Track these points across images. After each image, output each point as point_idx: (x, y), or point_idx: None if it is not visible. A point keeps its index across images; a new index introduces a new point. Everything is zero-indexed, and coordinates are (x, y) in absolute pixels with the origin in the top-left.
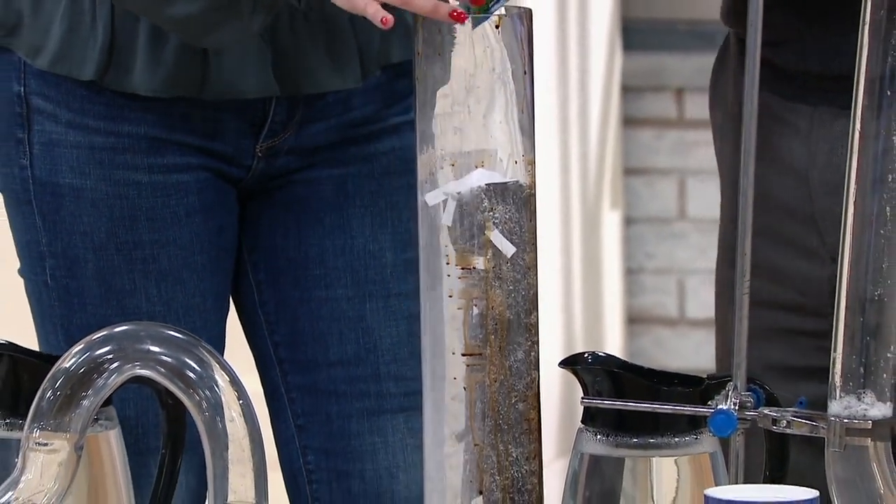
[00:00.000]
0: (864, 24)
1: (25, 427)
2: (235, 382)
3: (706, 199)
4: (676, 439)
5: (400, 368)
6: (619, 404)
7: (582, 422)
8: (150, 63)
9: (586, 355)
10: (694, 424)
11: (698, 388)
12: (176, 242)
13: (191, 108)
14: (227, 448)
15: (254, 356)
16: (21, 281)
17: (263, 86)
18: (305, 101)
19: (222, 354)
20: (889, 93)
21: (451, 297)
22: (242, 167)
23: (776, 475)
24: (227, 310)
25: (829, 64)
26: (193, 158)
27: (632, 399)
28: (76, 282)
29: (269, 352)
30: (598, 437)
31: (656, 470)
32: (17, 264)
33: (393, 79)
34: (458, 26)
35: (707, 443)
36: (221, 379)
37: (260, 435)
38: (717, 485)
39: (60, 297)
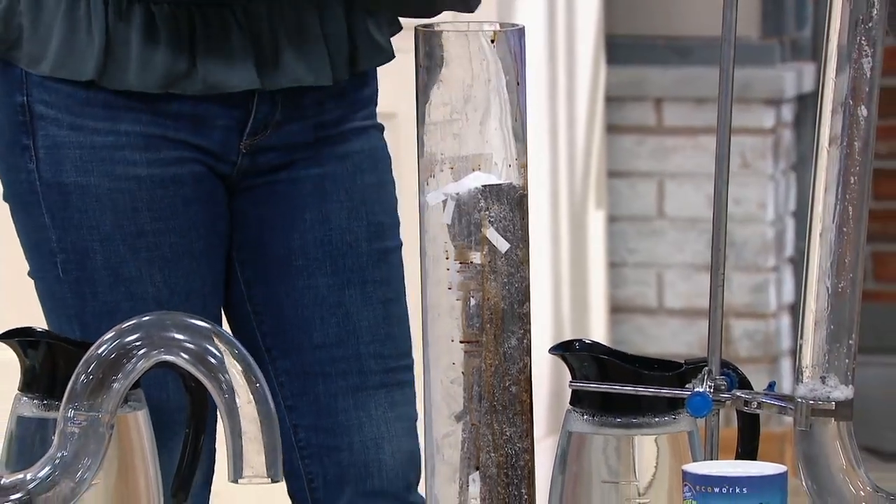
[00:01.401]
0: (828, 42)
1: (61, 408)
2: (251, 367)
3: (682, 199)
4: (657, 419)
5: (378, 348)
6: (604, 387)
7: (570, 403)
8: (143, 62)
9: (574, 342)
10: (672, 406)
11: (676, 372)
12: (176, 230)
13: (182, 105)
14: (244, 427)
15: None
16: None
17: (246, 80)
18: (283, 101)
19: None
20: (851, 102)
21: (450, 289)
22: (228, 163)
23: (748, 452)
24: (223, 294)
25: None
26: (186, 153)
27: (616, 382)
28: (86, 273)
29: (257, 342)
30: (585, 417)
31: (638, 447)
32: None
33: (359, 86)
34: (455, 41)
35: (685, 422)
36: (240, 364)
37: (274, 415)
38: (693, 461)
39: (73, 289)
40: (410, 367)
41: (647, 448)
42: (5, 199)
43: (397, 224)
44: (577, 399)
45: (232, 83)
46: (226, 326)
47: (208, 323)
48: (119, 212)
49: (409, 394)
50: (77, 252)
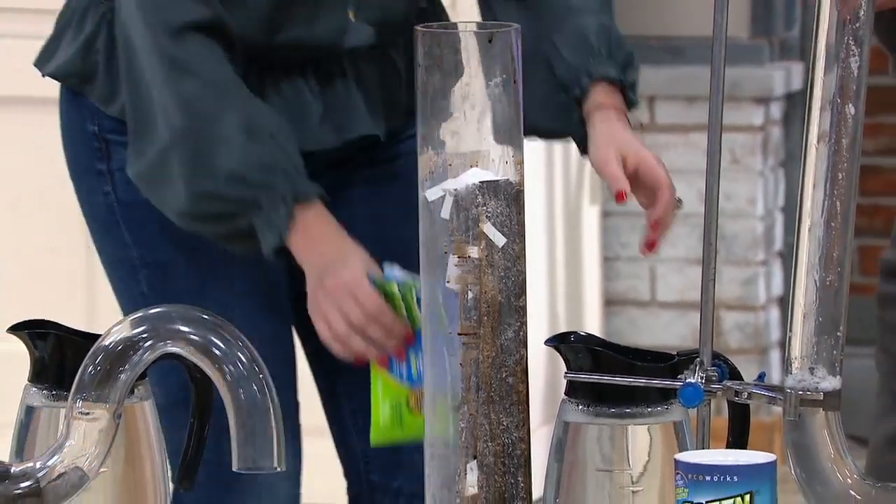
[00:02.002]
0: (816, 42)
1: (69, 398)
2: (255, 359)
3: None
4: (649, 409)
5: None
6: (598, 378)
7: (565, 394)
8: None
9: (569, 334)
10: (665, 396)
11: (669, 363)
12: None
13: None
14: (249, 417)
15: (300, 335)
16: (56, 267)
17: (317, 142)
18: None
19: (291, 327)
20: (839, 101)
21: (448, 282)
22: None
23: (738, 441)
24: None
25: None
26: None
27: (609, 373)
28: (171, 285)
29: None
30: (580, 407)
31: (631, 437)
32: (54, 251)
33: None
34: (454, 41)
35: (676, 412)
36: (243, 356)
37: (278, 406)
38: (683, 449)
39: (158, 303)
40: None
41: (640, 437)
42: (86, 221)
43: None
44: (572, 389)
45: (302, 143)
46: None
47: (214, 316)
48: None
49: None
50: (160, 266)
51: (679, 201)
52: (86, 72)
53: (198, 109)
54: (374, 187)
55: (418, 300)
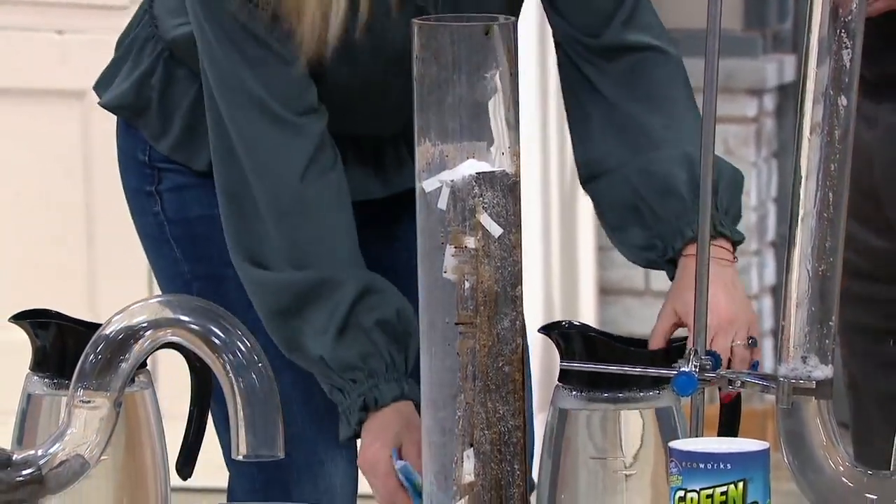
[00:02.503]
0: (809, 34)
1: (71, 387)
2: (255, 348)
3: None
4: (641, 394)
5: None
6: (593, 367)
7: (559, 380)
8: None
9: (562, 323)
10: (657, 382)
11: (662, 349)
12: None
13: None
14: (249, 406)
15: None
16: (58, 258)
17: (366, 193)
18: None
19: None
20: (832, 92)
21: (445, 272)
22: None
23: (730, 429)
24: None
25: (884, 67)
26: None
27: (603, 361)
28: (223, 297)
29: None
30: (573, 393)
31: (624, 422)
32: (56, 242)
33: None
34: (451, 34)
35: (667, 398)
36: (242, 345)
37: (276, 393)
38: (674, 434)
39: None
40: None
41: (633, 422)
42: (140, 241)
43: None
44: (566, 376)
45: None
46: None
47: (213, 306)
48: None
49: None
50: (211, 279)
51: (752, 341)
52: (138, 106)
53: (309, 263)
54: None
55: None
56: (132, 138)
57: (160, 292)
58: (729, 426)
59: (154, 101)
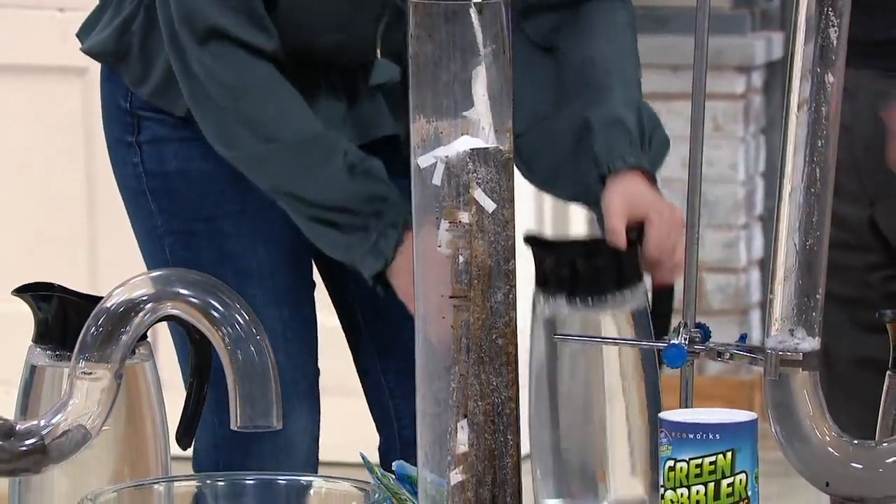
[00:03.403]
0: (797, 12)
1: (73, 358)
2: (254, 320)
3: None
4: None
5: None
6: (588, 339)
7: (538, 285)
8: None
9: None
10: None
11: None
12: (273, 208)
13: None
14: (247, 377)
15: (333, 301)
16: (59, 232)
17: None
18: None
19: (315, 305)
20: (819, 70)
21: (440, 247)
22: None
23: (659, 314)
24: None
25: (871, 32)
26: None
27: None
28: (193, 252)
29: (354, 310)
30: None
31: (604, 325)
32: (57, 216)
33: None
34: (445, 12)
35: (637, 299)
36: (241, 318)
37: (275, 366)
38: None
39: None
40: None
41: (608, 325)
42: (119, 191)
43: None
44: (544, 283)
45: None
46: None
47: (212, 279)
48: (221, 193)
49: None
50: (183, 233)
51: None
52: (120, 52)
53: (299, 127)
54: (394, 179)
55: (413, 490)
56: (114, 84)
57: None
58: (658, 312)
59: (135, 46)
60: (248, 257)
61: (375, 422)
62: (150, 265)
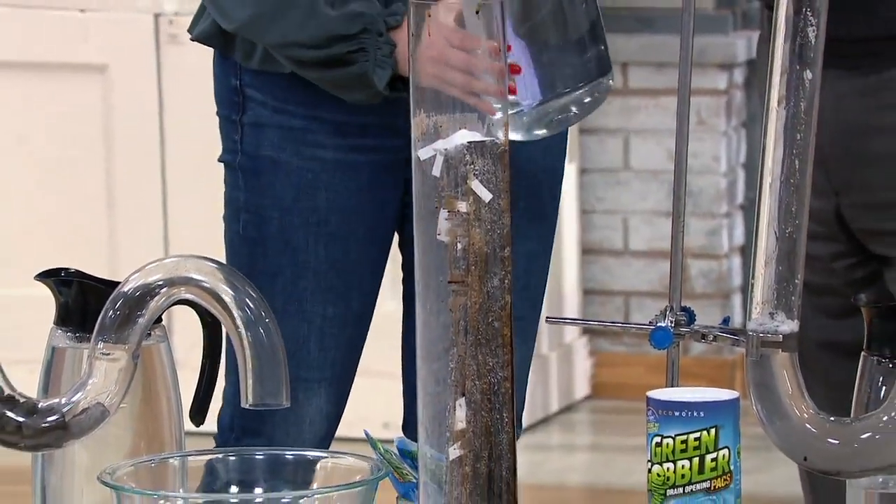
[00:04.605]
0: (777, 12)
1: (92, 340)
2: (262, 304)
3: (646, 153)
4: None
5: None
6: (581, 322)
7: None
8: None
9: None
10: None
11: None
12: (344, 211)
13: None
14: (258, 358)
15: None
16: (85, 221)
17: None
18: None
19: (374, 307)
20: (797, 66)
21: (439, 235)
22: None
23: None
24: (382, 273)
25: (836, 30)
26: (369, 140)
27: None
28: (261, 235)
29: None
30: None
31: None
32: (85, 210)
33: None
34: (444, 12)
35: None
36: (251, 301)
37: (284, 348)
38: None
39: (248, 247)
40: (536, 319)
41: None
42: (220, 159)
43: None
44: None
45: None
46: (389, 301)
47: (225, 265)
48: (300, 187)
49: (530, 332)
50: (258, 215)
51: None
52: (227, 32)
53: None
54: None
55: (413, 465)
56: (225, 64)
57: (173, 253)
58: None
59: None
60: (308, 253)
61: (405, 396)
62: (228, 229)
